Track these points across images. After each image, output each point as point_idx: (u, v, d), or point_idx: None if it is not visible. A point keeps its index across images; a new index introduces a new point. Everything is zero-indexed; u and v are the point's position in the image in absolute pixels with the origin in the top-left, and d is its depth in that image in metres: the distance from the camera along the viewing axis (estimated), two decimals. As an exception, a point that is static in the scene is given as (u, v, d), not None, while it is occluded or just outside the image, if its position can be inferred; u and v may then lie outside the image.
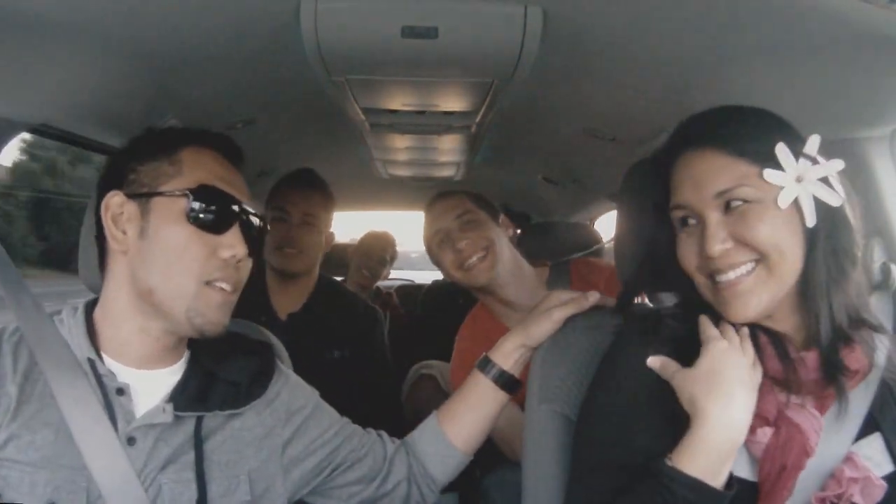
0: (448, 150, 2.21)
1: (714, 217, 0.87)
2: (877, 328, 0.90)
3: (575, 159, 2.22)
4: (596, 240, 2.59)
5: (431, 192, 3.10)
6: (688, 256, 0.91)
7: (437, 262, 1.75)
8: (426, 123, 1.77)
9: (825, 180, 0.86)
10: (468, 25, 1.09)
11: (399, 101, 1.54)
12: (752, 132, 0.88)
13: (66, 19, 0.98)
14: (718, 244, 0.85)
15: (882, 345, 0.90)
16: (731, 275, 0.86)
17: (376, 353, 2.02)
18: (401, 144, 2.11)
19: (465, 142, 2.03)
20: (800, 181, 0.85)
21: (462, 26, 1.09)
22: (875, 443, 0.87)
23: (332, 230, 2.01)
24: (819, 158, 0.86)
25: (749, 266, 0.86)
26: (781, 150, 0.85)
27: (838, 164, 0.87)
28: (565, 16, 1.05)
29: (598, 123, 1.73)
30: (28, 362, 0.93)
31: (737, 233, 0.85)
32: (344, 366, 1.89)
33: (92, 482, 0.89)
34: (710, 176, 0.87)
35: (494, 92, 1.41)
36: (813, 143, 0.87)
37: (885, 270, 1.04)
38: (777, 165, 0.85)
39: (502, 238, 1.72)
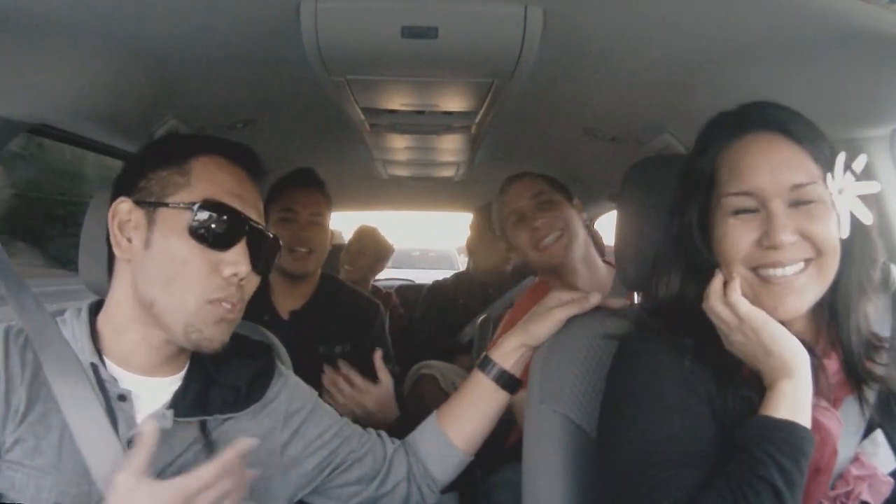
0: (448, 150, 2.21)
1: (783, 208, 0.85)
2: (883, 340, 0.91)
3: (575, 159, 2.22)
4: (596, 240, 2.58)
5: (431, 192, 3.11)
6: (738, 244, 0.87)
7: (512, 242, 1.74)
8: (426, 123, 1.77)
9: (861, 197, 0.87)
10: (468, 25, 1.09)
11: (399, 101, 1.54)
12: (819, 135, 0.89)
13: (66, 19, 0.98)
14: (788, 234, 0.84)
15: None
16: (790, 270, 0.85)
17: (376, 345, 2.02)
18: (401, 144, 2.11)
19: (464, 142, 2.03)
20: (841, 193, 0.86)
21: (462, 26, 1.09)
22: (877, 440, 0.88)
23: (332, 229, 2.01)
24: (861, 176, 0.88)
25: (801, 265, 0.86)
26: (841, 160, 0.86)
27: (876, 186, 0.88)
28: (565, 16, 1.05)
29: (598, 123, 1.72)
30: (34, 364, 0.92)
31: (803, 227, 0.85)
32: (345, 361, 1.89)
33: (94, 485, 0.88)
34: (789, 166, 0.86)
35: (494, 92, 1.41)
36: (860, 162, 0.88)
37: (885, 270, 1.04)
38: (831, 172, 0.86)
39: (577, 221, 1.72)
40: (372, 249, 3.13)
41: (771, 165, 0.86)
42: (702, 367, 0.89)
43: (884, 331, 0.94)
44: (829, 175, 0.86)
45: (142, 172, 0.98)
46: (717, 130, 0.93)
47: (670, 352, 0.90)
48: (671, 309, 0.97)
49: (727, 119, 0.93)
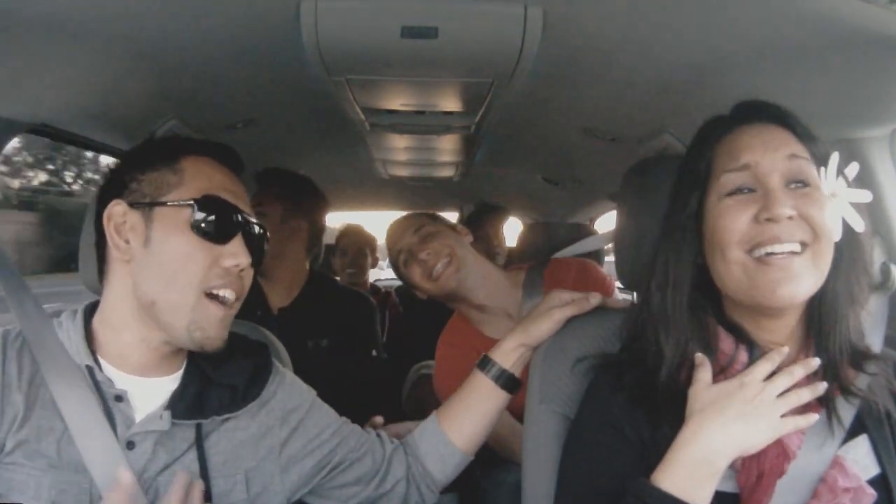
0: (448, 150, 2.21)
1: (780, 184, 0.85)
2: (869, 356, 0.89)
3: (575, 159, 2.22)
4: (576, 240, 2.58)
5: (431, 192, 3.11)
6: (735, 223, 0.85)
7: (408, 281, 1.79)
8: (426, 123, 1.77)
9: (854, 205, 0.87)
10: (468, 25, 1.09)
11: (399, 101, 1.54)
12: (813, 135, 0.90)
13: (67, 19, 0.98)
14: (787, 208, 0.82)
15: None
16: (787, 247, 0.83)
17: (362, 337, 2.05)
18: (400, 144, 2.11)
19: (464, 142, 2.03)
20: (833, 197, 0.86)
21: (462, 26, 1.09)
22: (862, 446, 0.87)
23: (298, 223, 1.96)
24: (853, 184, 0.88)
25: (797, 246, 0.84)
26: (834, 161, 0.86)
27: (867, 196, 0.88)
28: (565, 16, 1.05)
29: (598, 123, 1.73)
30: (31, 368, 0.93)
31: (801, 206, 0.84)
32: (332, 354, 1.92)
33: (93, 484, 0.89)
34: (783, 141, 0.87)
35: (494, 92, 1.41)
36: (853, 169, 0.89)
37: (885, 270, 1.04)
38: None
39: (463, 244, 1.77)
40: (351, 247, 3.16)
41: (764, 140, 0.87)
42: (639, 407, 0.90)
43: (877, 333, 0.93)
44: (822, 169, 0.86)
45: (131, 175, 1.00)
46: (713, 126, 0.94)
47: (611, 389, 0.93)
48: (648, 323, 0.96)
49: (723, 118, 0.94)
